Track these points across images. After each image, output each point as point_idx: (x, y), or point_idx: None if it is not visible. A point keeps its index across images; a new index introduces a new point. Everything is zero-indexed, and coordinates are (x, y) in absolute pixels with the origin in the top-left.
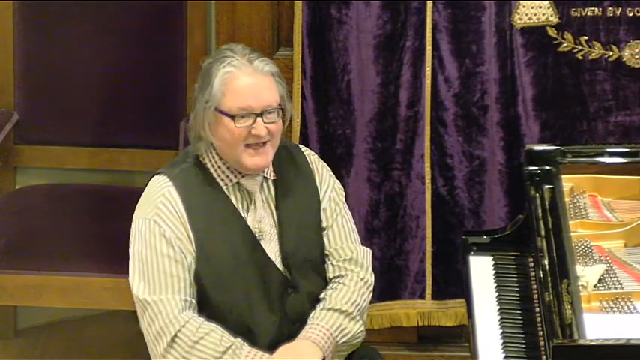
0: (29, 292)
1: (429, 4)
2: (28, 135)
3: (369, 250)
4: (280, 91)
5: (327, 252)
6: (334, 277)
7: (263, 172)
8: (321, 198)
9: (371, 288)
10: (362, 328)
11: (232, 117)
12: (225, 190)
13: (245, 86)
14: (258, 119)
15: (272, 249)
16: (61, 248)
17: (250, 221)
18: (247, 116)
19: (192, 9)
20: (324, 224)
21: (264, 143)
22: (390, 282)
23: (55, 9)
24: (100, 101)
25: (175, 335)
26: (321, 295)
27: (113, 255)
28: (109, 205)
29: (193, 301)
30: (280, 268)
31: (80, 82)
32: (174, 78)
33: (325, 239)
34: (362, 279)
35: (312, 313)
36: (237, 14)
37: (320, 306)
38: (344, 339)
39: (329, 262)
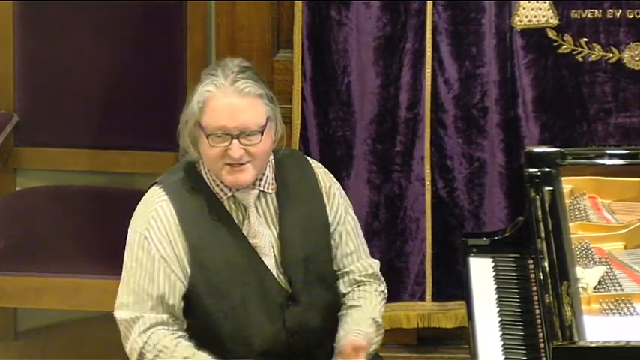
0: (29, 294)
1: (429, 5)
2: (27, 137)
3: (378, 262)
4: (268, 112)
5: (346, 271)
6: (357, 283)
7: (259, 185)
8: (330, 217)
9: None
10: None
11: (207, 136)
12: (221, 201)
13: (221, 106)
14: (235, 141)
15: (269, 262)
16: (61, 250)
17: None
18: (223, 137)
19: (192, 9)
20: (337, 245)
21: (244, 163)
22: (389, 284)
23: (55, 9)
24: (100, 103)
25: (141, 353)
26: (354, 302)
27: (113, 257)
28: (109, 207)
29: (169, 319)
30: (279, 280)
31: (80, 84)
32: (174, 79)
33: (342, 260)
34: (382, 292)
35: (347, 313)
36: (237, 15)
37: (356, 311)
38: (370, 349)
39: (348, 277)
